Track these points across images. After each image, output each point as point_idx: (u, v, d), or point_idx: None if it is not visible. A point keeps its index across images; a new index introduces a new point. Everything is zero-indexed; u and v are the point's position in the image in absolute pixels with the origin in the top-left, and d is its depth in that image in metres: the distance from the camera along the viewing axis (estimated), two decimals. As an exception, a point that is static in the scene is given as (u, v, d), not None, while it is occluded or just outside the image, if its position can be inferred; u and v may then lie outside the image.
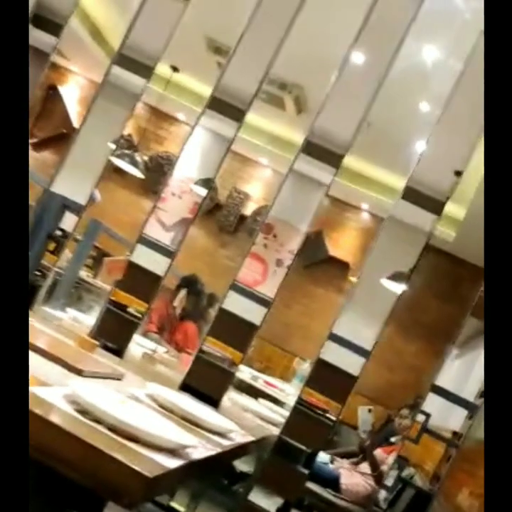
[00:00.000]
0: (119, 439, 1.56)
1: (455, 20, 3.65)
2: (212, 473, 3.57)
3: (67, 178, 3.62)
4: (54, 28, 3.72)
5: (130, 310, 3.52)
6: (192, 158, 4.25)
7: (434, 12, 3.55)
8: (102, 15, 6.51)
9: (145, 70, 3.61)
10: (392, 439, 4.75)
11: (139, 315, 3.48)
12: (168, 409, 2.18)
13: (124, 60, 3.59)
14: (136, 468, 1.39)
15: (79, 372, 2.06)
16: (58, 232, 3.68)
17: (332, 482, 4.66)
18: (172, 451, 1.68)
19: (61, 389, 1.74)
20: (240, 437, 2.47)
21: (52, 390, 1.70)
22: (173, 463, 1.60)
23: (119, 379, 2.43)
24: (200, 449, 1.89)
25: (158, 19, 3.71)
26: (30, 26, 3.65)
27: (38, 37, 3.71)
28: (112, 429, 1.59)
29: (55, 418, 1.49)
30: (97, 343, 2.70)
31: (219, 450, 2.04)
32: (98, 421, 1.60)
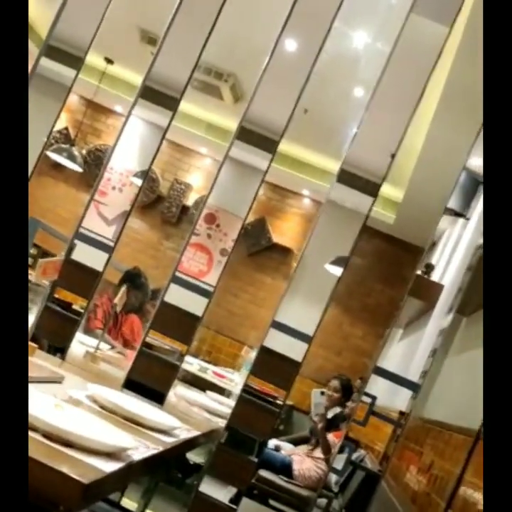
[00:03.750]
0: (54, 445, 1.53)
1: (381, 4, 3.66)
2: (159, 470, 3.55)
3: None
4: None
5: (72, 307, 3.47)
6: (131, 150, 4.20)
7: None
8: (31, 7, 6.37)
9: (75, 61, 3.53)
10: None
11: (80, 311, 3.43)
12: (109, 410, 2.15)
13: (53, 51, 3.51)
14: (71, 474, 1.36)
15: (14, 377, 2.01)
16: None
17: (284, 468, 4.69)
18: (110, 455, 1.65)
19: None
20: (185, 433, 2.46)
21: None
22: (111, 466, 1.57)
23: (59, 382, 2.39)
24: (141, 449, 1.87)
25: (87, 9, 3.63)
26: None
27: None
28: (47, 435, 1.56)
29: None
30: (36, 346, 2.64)
31: (161, 449, 2.02)
32: (33, 428, 1.57)
